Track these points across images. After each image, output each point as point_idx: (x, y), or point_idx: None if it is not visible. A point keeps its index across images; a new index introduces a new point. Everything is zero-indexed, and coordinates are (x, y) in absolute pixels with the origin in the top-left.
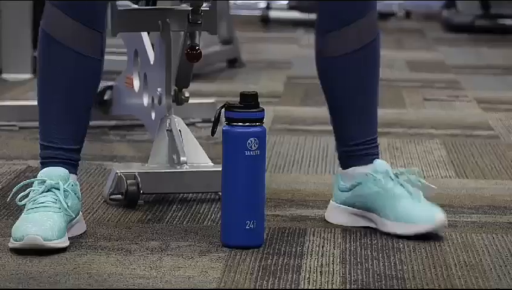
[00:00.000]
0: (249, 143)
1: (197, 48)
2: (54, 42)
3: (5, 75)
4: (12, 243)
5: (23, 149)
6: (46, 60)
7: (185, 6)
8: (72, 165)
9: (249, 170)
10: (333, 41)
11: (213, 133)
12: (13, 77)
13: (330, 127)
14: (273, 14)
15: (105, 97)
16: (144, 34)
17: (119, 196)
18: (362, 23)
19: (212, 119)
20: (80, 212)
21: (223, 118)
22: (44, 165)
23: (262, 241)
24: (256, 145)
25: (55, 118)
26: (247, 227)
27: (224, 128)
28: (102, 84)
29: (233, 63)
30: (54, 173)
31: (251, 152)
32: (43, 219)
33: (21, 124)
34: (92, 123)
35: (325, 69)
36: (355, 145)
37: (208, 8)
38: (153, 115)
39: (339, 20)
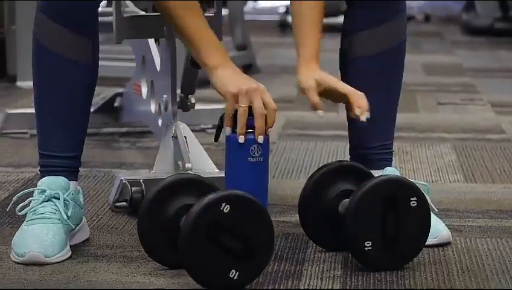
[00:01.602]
0: (251, 150)
1: None
2: (44, 49)
3: (19, 83)
4: (14, 258)
5: (33, 157)
6: (38, 67)
7: None
8: (72, 173)
9: (251, 176)
10: (360, 42)
11: (216, 139)
12: (28, 85)
13: (341, 132)
14: (291, 18)
15: (116, 104)
16: (151, 41)
17: (124, 203)
18: (391, 25)
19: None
20: (84, 219)
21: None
22: (43, 174)
23: None
24: (259, 152)
25: (50, 125)
26: None
27: (227, 134)
28: (113, 90)
29: (248, 68)
30: (54, 183)
31: (254, 159)
32: (43, 233)
33: (32, 132)
34: (102, 130)
35: (349, 69)
36: (370, 148)
37: (212, 14)
38: (160, 122)
39: (367, 21)
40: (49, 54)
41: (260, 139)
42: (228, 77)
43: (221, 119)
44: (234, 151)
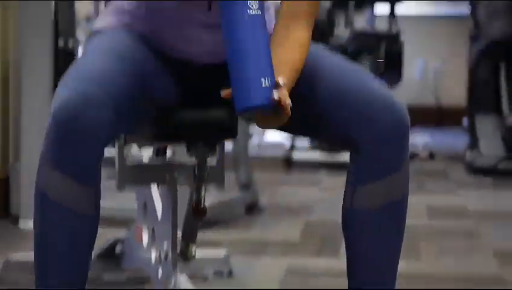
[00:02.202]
0: (249, 2)
1: (202, 204)
2: (48, 201)
3: (22, 225)
4: None
5: None
6: (40, 220)
7: (192, 161)
8: None
9: (254, 29)
10: (362, 195)
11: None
12: (31, 226)
13: (344, 281)
14: (296, 155)
15: (116, 251)
16: (153, 188)
17: None
18: (394, 179)
19: (225, 270)
20: None
21: None
22: None
23: None
24: (257, 4)
25: (52, 279)
26: (263, 85)
27: None
28: (114, 235)
29: (252, 209)
30: None
31: (253, 11)
32: None
33: (32, 279)
34: (102, 277)
35: (349, 219)
36: None
37: (214, 164)
38: (160, 272)
39: (370, 174)
40: (54, 206)
41: None
42: None
43: None
44: (232, 7)
